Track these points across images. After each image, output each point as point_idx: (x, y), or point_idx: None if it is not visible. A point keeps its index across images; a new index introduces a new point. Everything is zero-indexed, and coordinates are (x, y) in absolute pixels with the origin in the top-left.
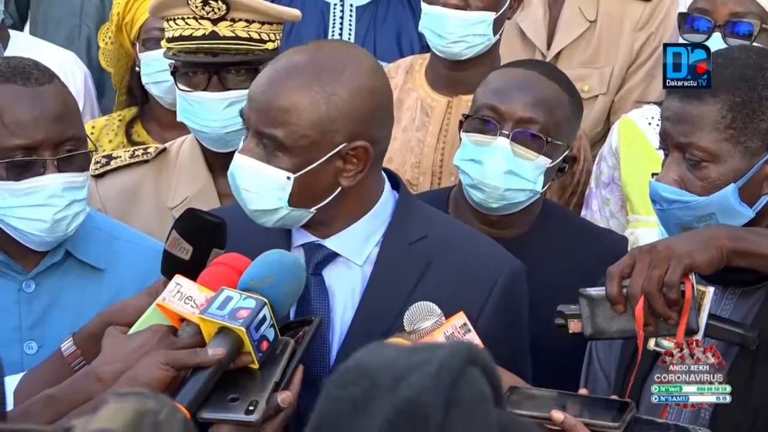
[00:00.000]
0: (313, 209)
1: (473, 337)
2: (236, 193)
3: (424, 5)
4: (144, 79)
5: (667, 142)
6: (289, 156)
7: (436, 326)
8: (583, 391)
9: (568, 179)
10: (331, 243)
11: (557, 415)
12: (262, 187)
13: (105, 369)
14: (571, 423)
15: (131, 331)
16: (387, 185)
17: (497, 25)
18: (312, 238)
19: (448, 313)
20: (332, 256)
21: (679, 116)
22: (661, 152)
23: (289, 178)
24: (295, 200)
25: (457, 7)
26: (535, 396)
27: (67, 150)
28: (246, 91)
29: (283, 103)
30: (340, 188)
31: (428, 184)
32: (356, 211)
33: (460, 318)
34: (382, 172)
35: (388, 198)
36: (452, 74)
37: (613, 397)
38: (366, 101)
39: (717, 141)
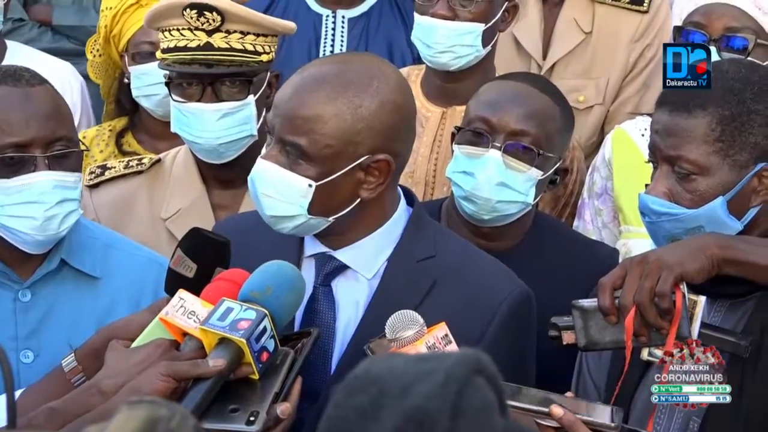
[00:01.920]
0: (331, 218)
1: (453, 349)
2: (255, 198)
3: (416, 15)
4: (134, 93)
5: (656, 154)
6: (311, 165)
7: (417, 336)
8: (568, 394)
9: (561, 190)
10: (342, 255)
11: (557, 410)
12: (283, 193)
13: (107, 382)
14: (570, 419)
15: (134, 344)
16: (402, 202)
17: (487, 37)
18: (323, 249)
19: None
20: (342, 268)
21: (668, 129)
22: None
23: (310, 186)
24: (314, 208)
25: (445, 18)
26: (526, 392)
27: (58, 149)
28: (240, 103)
29: (308, 113)
30: (359, 200)
31: (421, 194)
32: (371, 224)
33: (442, 329)
34: (398, 188)
35: (402, 214)
36: (446, 85)
37: (599, 403)
38: (391, 115)
39: (706, 154)
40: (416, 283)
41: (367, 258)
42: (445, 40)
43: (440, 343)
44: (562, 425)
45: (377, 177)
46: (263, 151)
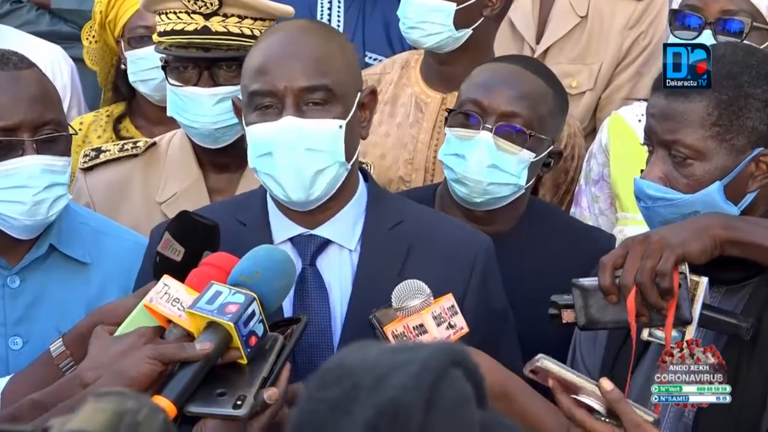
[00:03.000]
0: (349, 164)
1: (459, 320)
2: (291, 163)
3: None
4: (131, 78)
5: (651, 139)
6: (337, 104)
7: (424, 306)
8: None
9: (561, 177)
10: (323, 231)
11: (607, 384)
12: (322, 142)
13: (89, 374)
14: (618, 395)
15: (119, 330)
16: (360, 176)
17: (462, 19)
18: (299, 230)
19: (434, 294)
20: (324, 245)
21: (664, 113)
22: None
23: (341, 126)
24: (346, 152)
25: None
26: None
27: (46, 133)
28: (237, 87)
29: (321, 53)
30: (360, 140)
31: (421, 180)
32: (349, 192)
33: (449, 300)
34: None
35: (363, 187)
36: (443, 69)
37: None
38: (355, 54)
39: (703, 138)
40: (394, 249)
41: (347, 230)
42: (414, 15)
43: (446, 314)
44: (607, 400)
45: (366, 115)
46: (267, 122)
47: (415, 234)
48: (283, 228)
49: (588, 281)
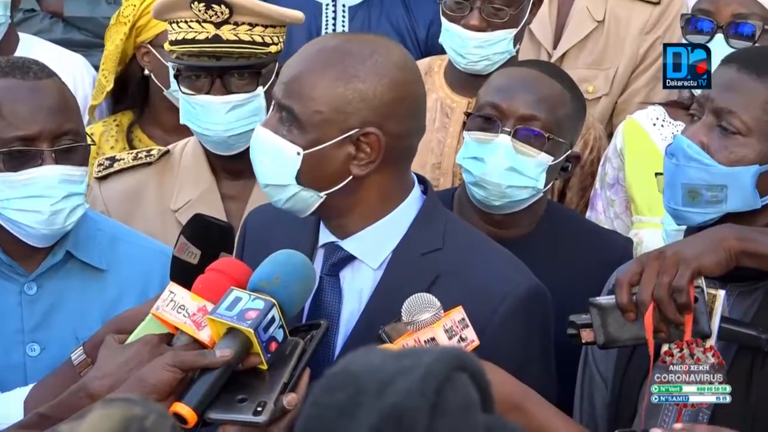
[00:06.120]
0: (322, 194)
1: (470, 333)
2: (255, 170)
3: (444, 20)
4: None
5: (704, 106)
6: (301, 131)
7: (434, 319)
8: None
9: (588, 180)
10: (348, 245)
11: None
12: (274, 159)
13: (95, 384)
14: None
15: (130, 339)
16: (417, 190)
17: (518, 37)
18: (333, 239)
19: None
20: (349, 258)
21: (732, 84)
22: (664, 151)
23: (299, 153)
24: (302, 178)
25: (478, 29)
26: None
27: (65, 143)
28: (249, 95)
29: (304, 78)
30: (351, 177)
31: (449, 184)
32: (372, 212)
33: (459, 313)
34: (413, 176)
35: (413, 203)
36: (473, 79)
37: None
38: (387, 91)
39: (758, 119)
40: (419, 275)
41: (373, 248)
42: (480, 50)
43: (457, 327)
44: None
45: (368, 154)
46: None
47: (448, 264)
48: (324, 233)
49: (605, 299)
